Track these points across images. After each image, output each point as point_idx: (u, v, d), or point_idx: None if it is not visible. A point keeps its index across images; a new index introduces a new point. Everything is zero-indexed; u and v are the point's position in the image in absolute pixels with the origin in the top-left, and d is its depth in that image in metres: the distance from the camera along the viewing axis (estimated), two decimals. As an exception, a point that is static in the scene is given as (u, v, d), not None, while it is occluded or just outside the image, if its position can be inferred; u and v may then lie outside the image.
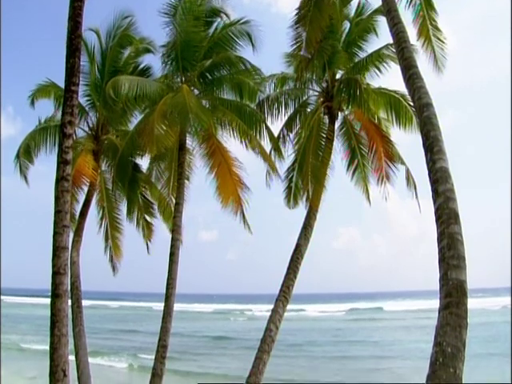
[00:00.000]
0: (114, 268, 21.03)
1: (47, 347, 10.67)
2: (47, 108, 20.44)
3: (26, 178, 19.63)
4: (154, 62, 20.10)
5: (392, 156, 18.27)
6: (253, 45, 18.28)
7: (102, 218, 20.80)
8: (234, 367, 40.67)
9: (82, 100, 19.83)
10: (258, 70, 18.43)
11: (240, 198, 18.59)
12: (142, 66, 20.17)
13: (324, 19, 15.69)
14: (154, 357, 17.37)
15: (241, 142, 17.96)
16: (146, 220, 20.41)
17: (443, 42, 15.92)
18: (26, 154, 19.43)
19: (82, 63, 18.22)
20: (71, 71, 11.01)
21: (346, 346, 56.99)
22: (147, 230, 20.47)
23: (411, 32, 14.29)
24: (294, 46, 16.91)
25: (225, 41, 18.45)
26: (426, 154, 9.15)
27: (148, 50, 19.96)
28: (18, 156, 19.37)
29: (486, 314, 77.46)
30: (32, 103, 20.06)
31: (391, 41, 11.47)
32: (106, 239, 20.75)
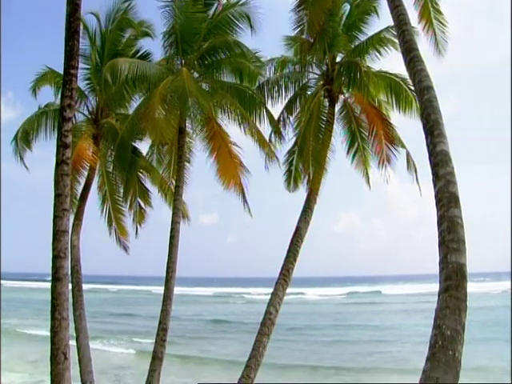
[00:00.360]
0: (125, 248, 21.09)
1: (48, 331, 10.71)
2: (47, 94, 20.41)
3: (23, 162, 19.53)
4: (153, 46, 20.03)
5: (392, 139, 18.26)
6: (252, 27, 18.17)
7: (103, 202, 20.78)
8: (233, 351, 40.85)
9: (82, 84, 19.77)
10: (256, 56, 18.39)
11: (241, 181, 18.62)
12: (141, 50, 20.07)
13: (326, 1, 15.58)
14: (153, 340, 17.49)
15: (239, 127, 17.97)
16: (139, 205, 20.40)
17: (444, 25, 15.85)
18: (24, 138, 19.34)
19: (83, 46, 18.32)
20: (70, 54, 10.95)
21: (346, 329, 57.23)
22: (139, 216, 20.47)
23: (412, 14, 14.23)
24: (297, 30, 16.86)
25: (224, 23, 18.33)
26: (426, 137, 9.13)
27: (147, 34, 19.85)
28: (16, 141, 19.28)
29: (486, 298, 77.74)
30: (34, 92, 19.95)
31: (392, 23, 11.41)
32: (110, 222, 20.74)
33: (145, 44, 20.14)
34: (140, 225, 20.56)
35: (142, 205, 20.46)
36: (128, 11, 19.35)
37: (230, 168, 18.59)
